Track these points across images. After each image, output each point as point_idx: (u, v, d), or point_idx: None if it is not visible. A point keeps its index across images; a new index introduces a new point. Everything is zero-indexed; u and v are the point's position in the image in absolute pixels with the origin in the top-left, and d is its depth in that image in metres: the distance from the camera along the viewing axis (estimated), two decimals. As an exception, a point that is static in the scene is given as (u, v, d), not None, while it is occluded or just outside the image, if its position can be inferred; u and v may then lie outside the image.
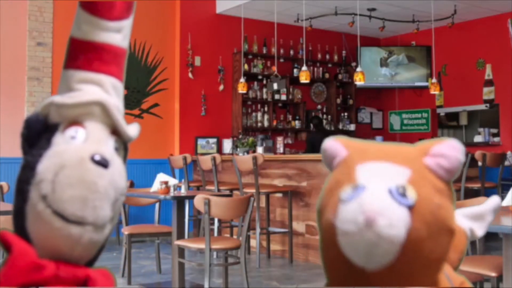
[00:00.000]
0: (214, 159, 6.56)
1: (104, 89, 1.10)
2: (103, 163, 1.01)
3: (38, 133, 1.06)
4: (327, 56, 9.51)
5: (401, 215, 0.91)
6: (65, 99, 1.06)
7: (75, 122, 1.06)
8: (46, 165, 1.00)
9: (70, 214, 0.98)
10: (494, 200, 1.34)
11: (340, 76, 9.63)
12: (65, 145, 1.03)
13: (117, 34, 1.12)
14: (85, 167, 0.99)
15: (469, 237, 1.29)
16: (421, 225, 0.93)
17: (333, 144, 1.05)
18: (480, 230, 1.30)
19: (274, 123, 8.81)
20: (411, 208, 0.92)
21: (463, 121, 9.34)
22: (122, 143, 1.12)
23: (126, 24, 1.14)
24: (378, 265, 0.93)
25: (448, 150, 0.99)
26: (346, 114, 9.71)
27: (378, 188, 0.93)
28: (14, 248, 0.98)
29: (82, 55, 1.10)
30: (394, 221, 0.91)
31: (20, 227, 1.02)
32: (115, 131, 1.09)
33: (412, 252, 0.92)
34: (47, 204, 0.98)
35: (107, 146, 1.06)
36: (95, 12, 1.10)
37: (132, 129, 1.13)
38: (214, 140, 8.22)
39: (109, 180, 1.01)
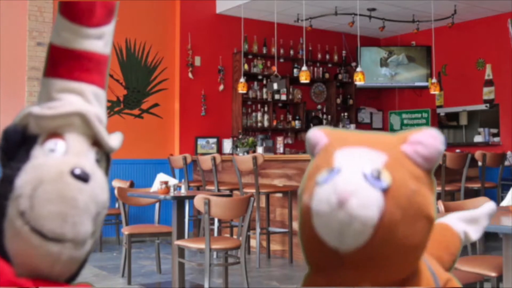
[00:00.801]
0: (214, 159, 6.56)
1: (85, 98, 1.06)
2: (83, 177, 0.97)
3: (17, 145, 1.02)
4: (327, 56, 9.51)
5: (374, 197, 0.92)
6: (44, 110, 1.02)
7: (55, 133, 1.02)
8: (24, 179, 0.96)
9: (49, 231, 0.94)
10: (489, 205, 1.35)
11: (340, 76, 9.63)
12: (44, 159, 0.99)
13: (98, 41, 1.09)
14: (65, 181, 0.96)
15: (463, 240, 1.30)
16: (395, 208, 0.93)
17: (315, 133, 1.08)
18: (474, 234, 1.31)
19: (274, 123, 8.81)
20: (385, 191, 0.93)
21: (463, 121, 9.34)
22: (104, 154, 1.08)
23: (107, 30, 1.11)
24: (351, 247, 0.94)
25: (427, 138, 1.00)
26: (346, 114, 9.70)
27: (353, 170, 0.95)
28: None
29: (62, 63, 1.06)
30: (367, 202, 0.92)
31: None
32: (97, 142, 1.06)
33: (385, 234, 0.93)
34: (25, 221, 0.94)
35: (87, 159, 1.02)
36: (74, 19, 1.06)
37: (114, 140, 1.09)
38: (214, 140, 8.22)
39: (90, 194, 0.97)
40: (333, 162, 0.99)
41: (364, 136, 1.05)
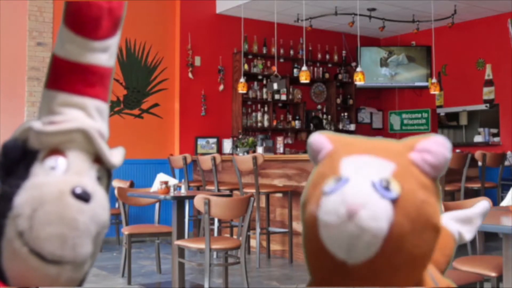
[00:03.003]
0: (214, 159, 6.56)
1: (87, 113, 1.04)
2: (84, 197, 0.95)
3: (17, 160, 0.99)
4: (327, 56, 9.51)
5: (383, 208, 0.90)
6: (45, 126, 0.99)
7: (56, 150, 0.99)
8: (23, 198, 0.94)
9: (48, 253, 0.92)
10: (482, 204, 1.33)
11: (340, 76, 9.63)
12: (44, 177, 0.97)
13: (103, 54, 1.05)
14: (65, 202, 0.93)
15: (457, 240, 1.28)
16: (404, 219, 0.91)
17: (318, 138, 1.05)
18: (468, 234, 1.29)
19: (274, 123, 8.81)
20: (394, 201, 0.91)
21: (463, 121, 9.34)
22: (105, 170, 1.05)
23: (113, 42, 1.07)
24: (360, 259, 0.91)
25: (434, 146, 0.97)
26: (346, 114, 9.70)
27: (361, 180, 0.93)
28: None
29: (65, 75, 1.03)
30: (377, 214, 0.89)
31: None
32: (98, 159, 1.02)
33: (394, 246, 0.91)
34: (24, 242, 0.92)
35: (89, 177, 0.99)
36: (79, 31, 1.02)
37: (116, 156, 1.05)
38: (214, 140, 8.22)
39: (91, 215, 0.95)
40: (340, 170, 0.96)
41: (370, 143, 1.02)
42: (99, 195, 0.98)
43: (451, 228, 1.28)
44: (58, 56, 1.04)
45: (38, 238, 0.92)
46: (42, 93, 1.06)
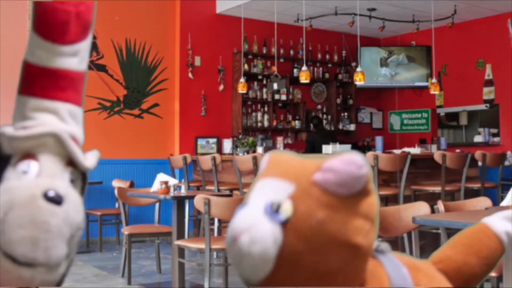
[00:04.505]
0: (214, 159, 6.56)
1: (60, 117, 1.04)
2: (57, 200, 0.95)
3: None
4: (327, 56, 9.51)
5: (269, 231, 0.95)
6: (17, 131, 1.00)
7: (28, 154, 1.00)
8: None
9: (20, 256, 0.92)
10: None
11: (340, 76, 9.63)
12: (16, 181, 0.97)
13: (72, 58, 1.05)
14: (36, 205, 0.93)
15: (505, 240, 1.23)
16: (296, 240, 0.95)
17: (264, 158, 1.10)
18: None
19: (274, 123, 8.81)
20: (284, 224, 0.95)
21: (463, 121, 9.34)
22: (80, 173, 1.05)
23: (83, 46, 1.07)
24: (256, 279, 0.97)
25: (339, 164, 0.98)
26: (346, 114, 9.71)
27: (255, 205, 0.98)
28: None
29: (36, 81, 1.04)
30: (257, 238, 0.94)
31: None
32: (72, 162, 1.03)
33: (289, 265, 0.95)
34: None
35: (61, 180, 1.00)
36: (48, 36, 1.02)
37: (90, 159, 1.06)
38: (214, 140, 8.22)
39: (63, 217, 0.95)
40: (250, 195, 1.02)
41: (290, 162, 1.05)
42: (72, 197, 0.99)
43: (496, 228, 1.23)
44: (28, 62, 1.05)
45: (10, 241, 0.92)
46: (16, 99, 1.07)
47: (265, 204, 0.97)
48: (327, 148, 6.83)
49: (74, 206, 0.98)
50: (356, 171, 0.97)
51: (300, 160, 1.06)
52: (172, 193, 4.58)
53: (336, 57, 9.60)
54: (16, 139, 1.00)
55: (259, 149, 7.46)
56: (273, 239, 0.94)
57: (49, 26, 1.02)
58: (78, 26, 1.05)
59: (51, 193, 0.95)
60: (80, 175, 1.05)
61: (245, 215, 0.97)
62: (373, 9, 8.35)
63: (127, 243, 4.99)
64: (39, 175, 0.99)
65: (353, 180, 0.97)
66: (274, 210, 0.96)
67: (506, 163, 6.87)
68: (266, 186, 1.01)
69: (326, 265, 0.97)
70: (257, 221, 0.96)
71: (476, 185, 6.32)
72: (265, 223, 0.95)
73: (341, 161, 0.98)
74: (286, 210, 0.96)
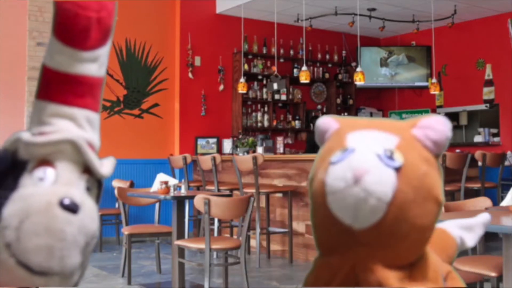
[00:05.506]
0: (214, 159, 6.56)
1: (77, 124, 1.03)
2: (72, 208, 0.94)
3: (5, 171, 0.98)
4: (327, 56, 9.51)
5: (388, 175, 0.95)
6: (34, 137, 0.99)
7: (45, 161, 0.99)
8: (11, 210, 0.93)
9: (35, 265, 0.91)
10: (484, 215, 1.38)
11: (340, 76, 9.63)
12: (32, 188, 0.96)
13: (92, 64, 1.05)
14: (52, 213, 0.92)
15: (459, 245, 1.32)
16: (407, 188, 0.96)
17: (325, 119, 1.12)
18: (470, 241, 1.34)
19: (274, 123, 8.81)
20: (398, 170, 0.96)
21: (463, 121, 9.34)
22: (95, 180, 1.05)
23: (103, 52, 1.06)
24: (365, 224, 0.96)
25: (436, 124, 1.03)
26: (346, 114, 9.69)
27: (366, 150, 0.98)
28: None
29: (54, 86, 1.03)
30: (381, 179, 0.95)
31: None
32: (87, 169, 1.02)
33: (398, 213, 0.95)
34: (11, 253, 0.91)
35: (77, 188, 0.99)
36: (68, 42, 1.01)
37: (106, 167, 1.05)
38: (214, 140, 8.22)
39: (79, 226, 0.94)
40: (346, 143, 1.01)
41: (374, 121, 1.08)
42: (88, 205, 0.98)
43: (453, 233, 1.32)
44: (47, 67, 1.03)
45: (25, 250, 0.91)
46: (33, 104, 1.05)
47: (376, 150, 0.97)
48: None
49: (90, 215, 0.97)
50: (448, 132, 1.03)
51: (382, 119, 1.10)
52: (172, 193, 4.58)
53: (336, 57, 9.60)
54: (33, 145, 0.98)
55: (259, 149, 7.46)
56: (391, 184, 0.95)
57: (70, 31, 1.01)
58: (99, 32, 1.04)
59: (67, 201, 0.94)
60: (95, 183, 1.04)
61: (361, 157, 0.97)
62: (373, 9, 8.35)
63: (127, 243, 4.99)
64: (55, 182, 0.98)
65: (446, 140, 1.03)
66: (388, 156, 0.97)
67: (506, 163, 6.87)
68: (368, 136, 1.02)
69: (424, 219, 0.99)
70: (376, 164, 0.96)
71: (476, 185, 6.32)
72: (383, 167, 0.96)
73: (437, 121, 1.04)
74: (400, 157, 0.97)
